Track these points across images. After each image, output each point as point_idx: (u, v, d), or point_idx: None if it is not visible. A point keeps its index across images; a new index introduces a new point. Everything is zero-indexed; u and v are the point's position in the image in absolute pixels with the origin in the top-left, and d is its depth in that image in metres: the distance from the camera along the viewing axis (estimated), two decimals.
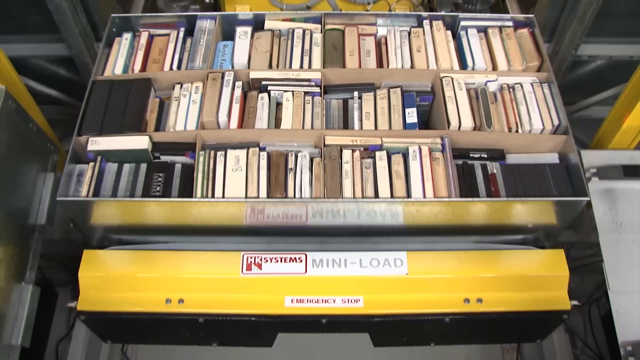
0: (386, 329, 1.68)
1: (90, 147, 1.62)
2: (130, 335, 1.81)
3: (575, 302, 1.65)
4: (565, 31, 2.27)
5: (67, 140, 2.52)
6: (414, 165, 1.59)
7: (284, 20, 1.93)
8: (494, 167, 1.64)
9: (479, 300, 1.62)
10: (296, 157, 1.62)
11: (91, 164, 1.62)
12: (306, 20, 1.93)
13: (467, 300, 1.62)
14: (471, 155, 1.63)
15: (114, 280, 1.64)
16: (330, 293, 1.62)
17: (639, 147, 1.88)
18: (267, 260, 1.62)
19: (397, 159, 1.61)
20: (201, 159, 1.61)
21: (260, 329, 1.66)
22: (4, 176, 1.46)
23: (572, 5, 2.18)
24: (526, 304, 1.62)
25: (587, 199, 1.52)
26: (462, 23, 1.90)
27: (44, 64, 2.49)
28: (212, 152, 1.62)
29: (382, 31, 1.93)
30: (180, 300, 1.62)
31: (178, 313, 1.61)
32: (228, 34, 1.94)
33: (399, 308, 1.61)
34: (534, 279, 1.64)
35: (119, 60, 1.83)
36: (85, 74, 2.40)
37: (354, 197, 1.55)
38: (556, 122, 1.69)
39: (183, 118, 1.69)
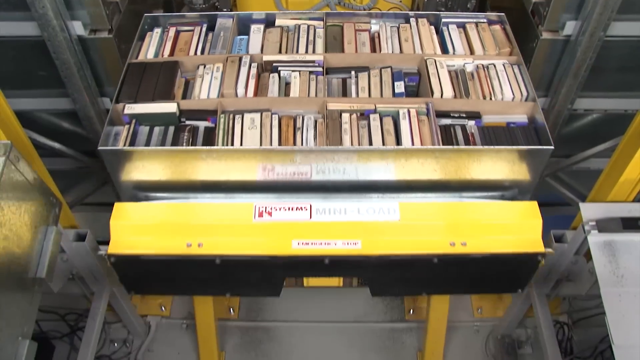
0: (382, 272, 1.90)
1: (126, 112, 1.92)
2: (152, 283, 2.02)
3: (549, 250, 1.88)
4: (560, 86, 2.38)
5: (69, 192, 2.79)
6: (404, 124, 1.88)
7: (291, 19, 2.29)
8: (472, 128, 1.93)
9: (463, 243, 1.85)
10: (303, 118, 1.92)
11: (126, 125, 1.92)
12: (310, 19, 2.29)
13: (452, 243, 1.85)
14: (452, 115, 1.93)
15: (140, 228, 1.88)
16: (332, 237, 1.86)
17: (638, 199, 1.91)
18: (276, 209, 1.87)
19: (388, 121, 1.91)
20: (222, 120, 1.91)
21: (270, 270, 1.88)
22: (4, 229, 1.48)
23: (567, 60, 2.29)
24: (505, 247, 1.85)
25: (551, 147, 1.80)
26: (444, 20, 2.25)
27: (48, 117, 2.62)
28: (231, 115, 1.92)
29: (375, 28, 2.28)
30: (200, 244, 1.85)
31: (197, 255, 1.84)
32: (243, 32, 2.29)
33: (392, 250, 1.85)
34: (511, 226, 1.88)
35: (150, 49, 2.17)
36: (89, 127, 2.51)
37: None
38: (525, 94, 1.99)
39: (206, 90, 2.00)
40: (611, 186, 1.88)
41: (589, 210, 1.84)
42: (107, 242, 3.29)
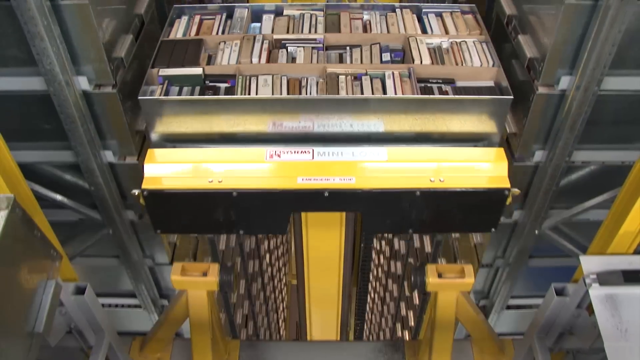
0: (373, 206, 2.27)
1: (160, 74, 2.35)
2: (177, 219, 2.37)
3: (515, 190, 2.26)
4: (558, 139, 2.41)
5: (69, 244, 2.86)
6: (389, 82, 2.30)
7: (297, 10, 2.77)
8: (447, 88, 2.35)
9: (441, 179, 2.23)
10: (307, 79, 2.34)
11: (160, 85, 2.34)
12: (313, 10, 2.76)
13: (432, 180, 2.24)
14: (430, 81, 2.36)
15: (169, 168, 2.27)
16: (330, 174, 2.24)
17: (638, 251, 1.92)
18: (284, 152, 2.27)
19: (377, 82, 2.33)
20: (240, 80, 2.33)
21: (278, 204, 2.25)
22: (5, 284, 1.48)
23: (563, 114, 2.33)
24: (476, 183, 2.23)
25: (511, 97, 2.21)
26: (424, 10, 2.72)
27: (50, 169, 2.67)
28: (248, 77, 2.35)
29: (366, 17, 2.75)
30: (220, 180, 2.24)
31: (218, 189, 2.22)
32: (256, 20, 2.76)
33: (381, 185, 2.23)
34: (482, 167, 2.27)
35: (179, 31, 2.62)
36: (91, 179, 2.56)
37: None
38: (491, 62, 2.43)
39: (227, 60, 2.44)
40: (611, 238, 1.91)
41: (589, 263, 1.86)
42: (106, 294, 3.44)
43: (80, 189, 2.69)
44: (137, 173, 2.41)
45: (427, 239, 3.93)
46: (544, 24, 2.27)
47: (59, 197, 2.68)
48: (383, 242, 6.65)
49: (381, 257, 7.30)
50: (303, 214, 2.72)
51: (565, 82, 2.29)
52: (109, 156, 2.54)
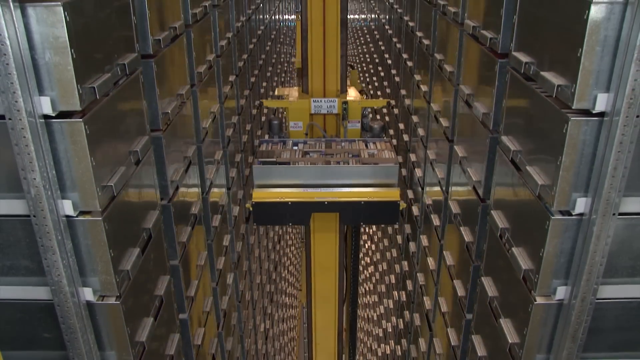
0: (345, 208, 5.93)
1: (259, 160, 6.21)
2: (265, 216, 5.97)
3: (403, 203, 5.96)
4: (561, 349, 2.45)
5: None
6: (351, 163, 6.17)
7: (313, 141, 6.77)
8: (374, 166, 6.19)
9: (371, 198, 5.93)
10: (317, 162, 6.22)
11: (258, 165, 6.19)
12: (320, 141, 6.76)
13: (368, 198, 5.93)
14: (368, 163, 6.22)
15: (263, 194, 5.99)
16: (327, 196, 5.95)
17: None
18: (309, 189, 6.01)
19: (347, 164, 6.20)
20: (291, 162, 6.21)
21: (305, 207, 5.92)
22: None
23: (563, 323, 2.40)
24: (386, 199, 5.92)
25: (397, 165, 6.02)
26: (368, 140, 6.70)
27: None
28: (295, 162, 6.22)
29: (343, 144, 6.72)
30: (283, 198, 5.93)
31: (282, 201, 5.91)
32: (295, 145, 6.72)
33: (348, 199, 5.92)
34: (388, 194, 5.98)
35: (263, 147, 6.58)
36: None
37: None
38: (393, 156, 6.31)
39: (285, 156, 6.34)
40: None
41: None
42: None
43: None
44: None
45: None
46: (535, 237, 2.47)
47: None
48: None
49: None
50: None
51: (561, 292, 2.43)
52: None
